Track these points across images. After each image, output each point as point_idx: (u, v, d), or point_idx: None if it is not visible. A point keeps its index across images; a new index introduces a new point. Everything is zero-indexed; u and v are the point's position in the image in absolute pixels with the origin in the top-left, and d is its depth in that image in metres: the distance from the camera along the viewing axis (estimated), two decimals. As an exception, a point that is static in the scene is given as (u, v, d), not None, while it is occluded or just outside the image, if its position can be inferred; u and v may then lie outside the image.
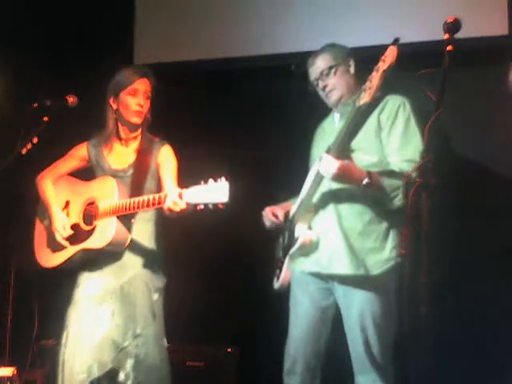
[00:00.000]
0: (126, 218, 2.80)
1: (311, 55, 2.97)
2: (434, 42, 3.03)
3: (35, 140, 2.76)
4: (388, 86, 3.36)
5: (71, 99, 2.89)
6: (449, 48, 2.14)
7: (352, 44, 3.42)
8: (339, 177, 2.56)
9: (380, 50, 3.54)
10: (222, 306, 3.78)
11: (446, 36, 2.15)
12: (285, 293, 3.08)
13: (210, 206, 2.44)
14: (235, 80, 4.03)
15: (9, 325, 3.68)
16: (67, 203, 2.98)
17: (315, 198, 2.76)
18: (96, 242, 2.79)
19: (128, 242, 2.82)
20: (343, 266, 2.66)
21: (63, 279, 3.01)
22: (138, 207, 2.69)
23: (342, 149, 2.55)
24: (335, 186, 2.68)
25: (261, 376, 3.61)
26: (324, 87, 2.88)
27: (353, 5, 3.84)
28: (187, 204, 2.53)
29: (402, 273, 2.70)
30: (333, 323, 2.82)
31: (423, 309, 2.00)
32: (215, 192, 2.42)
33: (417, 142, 2.68)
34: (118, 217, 2.77)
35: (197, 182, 2.48)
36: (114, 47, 4.13)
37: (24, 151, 2.74)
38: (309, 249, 2.75)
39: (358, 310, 2.67)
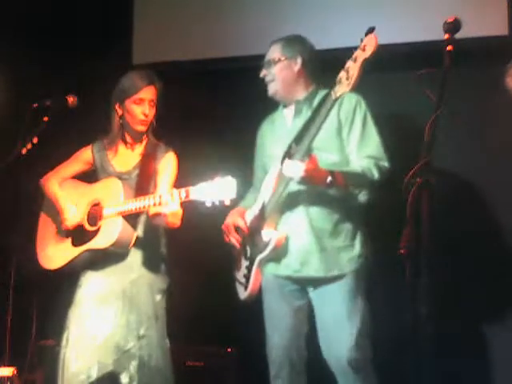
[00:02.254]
0: (131, 219, 2.80)
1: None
2: (433, 42, 3.02)
3: (35, 140, 2.76)
4: (387, 87, 3.37)
5: (71, 99, 2.89)
6: (449, 48, 2.14)
7: (351, 44, 3.41)
8: (306, 179, 2.55)
9: (380, 49, 3.55)
10: (222, 306, 3.78)
11: (446, 36, 2.15)
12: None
13: (217, 203, 2.45)
14: (235, 79, 4.02)
15: (9, 325, 3.68)
16: None
17: (282, 200, 2.72)
18: (101, 242, 2.79)
19: (133, 242, 2.82)
20: (315, 268, 2.69)
21: (64, 279, 3.01)
22: (144, 207, 2.69)
23: (308, 149, 2.55)
24: (304, 187, 2.66)
25: (260, 376, 3.61)
26: (264, 76, 2.90)
27: (352, 5, 3.83)
28: (186, 202, 2.54)
29: (370, 271, 2.77)
30: (310, 321, 2.83)
31: (423, 309, 2.01)
32: (222, 188, 2.43)
33: (375, 138, 2.73)
34: (123, 217, 2.77)
35: (203, 179, 2.49)
36: (112, 47, 4.13)
37: (24, 151, 2.74)
38: (279, 252, 2.74)
39: (332, 308, 2.69)
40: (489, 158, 3.48)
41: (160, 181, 2.91)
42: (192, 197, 2.52)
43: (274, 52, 2.88)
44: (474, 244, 3.42)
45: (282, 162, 2.59)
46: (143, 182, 2.89)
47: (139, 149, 3.00)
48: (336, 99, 2.46)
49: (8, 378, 3.36)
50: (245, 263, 2.86)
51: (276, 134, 2.92)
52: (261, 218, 2.78)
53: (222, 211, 3.80)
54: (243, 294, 2.87)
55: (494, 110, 3.31)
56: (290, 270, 2.74)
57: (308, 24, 3.85)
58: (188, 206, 2.89)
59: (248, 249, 2.86)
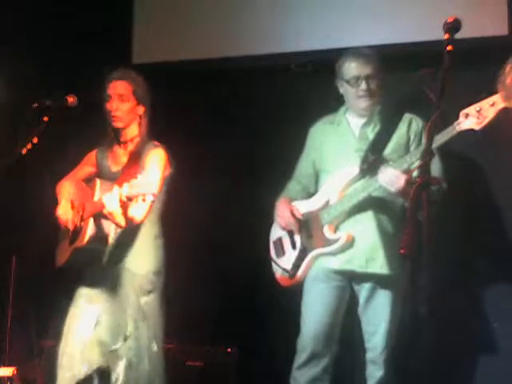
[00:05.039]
0: (101, 218, 2.79)
1: (357, 50, 3.04)
2: (433, 42, 3.02)
3: (35, 140, 2.76)
4: (388, 87, 3.36)
5: (71, 99, 2.89)
6: (449, 48, 2.14)
7: (353, 43, 3.42)
8: (402, 191, 2.74)
9: (380, 49, 3.55)
10: (222, 306, 3.78)
11: (446, 36, 2.15)
12: (286, 293, 3.09)
13: (150, 198, 2.47)
14: (235, 79, 4.02)
15: (9, 325, 3.68)
16: (72, 206, 3.01)
17: (352, 203, 2.88)
18: (81, 240, 2.82)
19: (108, 240, 2.83)
20: (380, 265, 2.86)
21: (63, 279, 3.03)
22: (96, 209, 2.71)
23: (403, 166, 2.75)
24: (375, 192, 2.84)
25: (261, 376, 3.61)
26: (366, 90, 2.96)
27: (353, 5, 3.83)
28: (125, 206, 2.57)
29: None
30: (344, 319, 2.98)
31: (423, 309, 2.01)
32: (147, 183, 2.45)
33: (437, 161, 2.87)
34: (94, 216, 2.77)
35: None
36: (112, 46, 4.13)
37: (24, 151, 2.74)
38: (343, 249, 2.90)
39: (381, 304, 2.87)
40: (489, 158, 3.48)
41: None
42: (124, 193, 2.52)
43: (372, 68, 2.96)
44: (474, 244, 3.43)
45: (364, 170, 2.84)
46: (124, 180, 2.85)
47: (131, 147, 3.01)
48: (460, 131, 2.59)
49: (8, 378, 3.37)
50: (293, 252, 3.03)
51: (340, 137, 3.05)
52: (320, 215, 2.95)
53: (222, 211, 3.82)
54: (287, 280, 3.03)
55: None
56: (355, 266, 2.89)
57: (309, 24, 3.86)
58: (185, 205, 2.87)
59: (298, 239, 3.02)
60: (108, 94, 2.95)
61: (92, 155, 3.11)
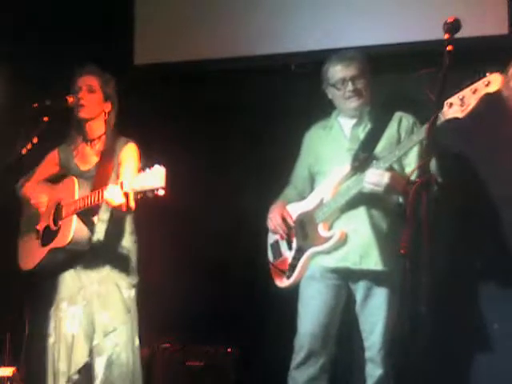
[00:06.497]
0: (87, 216, 2.81)
1: (340, 53, 3.05)
2: (434, 42, 3.02)
3: (35, 140, 2.76)
4: (388, 87, 3.37)
5: (71, 99, 2.91)
6: (449, 48, 2.14)
7: (353, 43, 3.42)
8: (390, 188, 2.76)
9: (380, 49, 3.55)
10: (222, 306, 3.79)
11: (446, 36, 2.16)
12: (286, 293, 3.09)
13: (149, 194, 2.48)
14: (235, 79, 4.02)
15: (9, 325, 3.67)
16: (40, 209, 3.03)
17: (344, 200, 2.89)
18: (60, 241, 2.82)
19: (91, 239, 2.84)
20: (374, 262, 2.86)
21: (46, 280, 3.05)
22: (85, 205, 2.73)
23: (392, 160, 2.77)
24: (366, 190, 2.83)
25: (260, 376, 3.61)
26: (353, 90, 2.97)
27: (353, 4, 3.83)
28: (127, 198, 2.57)
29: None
30: (341, 318, 2.99)
31: (423, 309, 2.01)
32: (152, 178, 2.46)
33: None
34: (78, 215, 2.78)
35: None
36: (114, 47, 4.13)
37: (24, 151, 2.74)
38: (337, 247, 2.91)
39: (378, 302, 2.88)
40: (488, 157, 3.48)
41: (123, 171, 2.92)
42: (125, 189, 2.55)
43: (359, 68, 2.98)
44: (473, 244, 3.43)
45: (355, 168, 2.86)
46: (101, 178, 2.87)
47: (98, 145, 3.01)
48: (446, 120, 2.54)
49: (8, 378, 3.37)
50: (289, 253, 3.05)
51: (332, 140, 3.08)
52: (315, 214, 2.97)
53: (223, 212, 3.82)
54: (284, 282, 3.05)
55: (494, 109, 3.30)
56: (349, 263, 2.90)
57: (309, 24, 3.86)
58: (188, 206, 2.86)
59: (294, 240, 3.04)
60: (78, 86, 2.97)
61: (53, 155, 3.11)
